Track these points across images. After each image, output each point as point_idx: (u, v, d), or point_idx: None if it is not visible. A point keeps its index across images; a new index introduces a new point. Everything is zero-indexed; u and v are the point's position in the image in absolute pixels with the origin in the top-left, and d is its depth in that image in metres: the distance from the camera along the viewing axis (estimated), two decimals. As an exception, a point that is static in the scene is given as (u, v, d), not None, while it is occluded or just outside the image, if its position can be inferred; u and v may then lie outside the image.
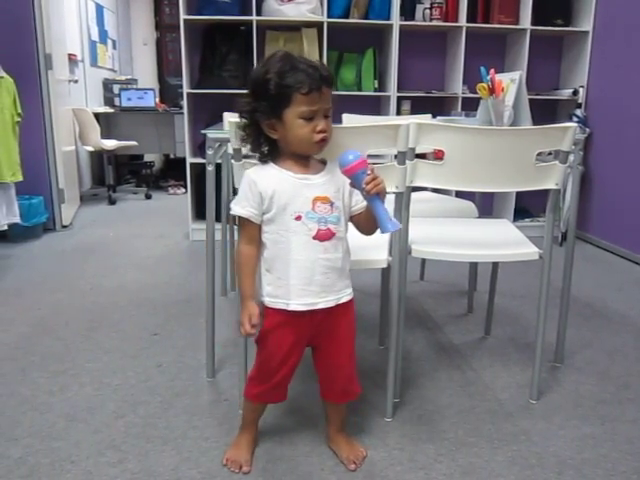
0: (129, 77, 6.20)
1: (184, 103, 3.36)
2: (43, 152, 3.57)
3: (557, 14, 3.48)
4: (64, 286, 2.60)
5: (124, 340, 2.01)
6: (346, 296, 1.27)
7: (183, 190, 5.22)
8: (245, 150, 1.29)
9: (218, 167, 1.68)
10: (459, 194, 2.59)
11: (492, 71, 1.74)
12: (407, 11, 3.44)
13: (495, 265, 2.11)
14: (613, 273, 2.96)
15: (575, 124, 1.45)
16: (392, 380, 1.52)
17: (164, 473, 1.30)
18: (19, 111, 3.08)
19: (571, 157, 1.54)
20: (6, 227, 3.06)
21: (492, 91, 1.76)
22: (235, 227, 1.35)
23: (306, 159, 1.22)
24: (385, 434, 1.46)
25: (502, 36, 3.67)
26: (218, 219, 1.88)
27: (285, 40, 3.38)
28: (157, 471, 1.30)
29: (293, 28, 3.36)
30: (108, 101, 5.64)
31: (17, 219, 3.11)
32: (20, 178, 3.10)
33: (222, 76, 3.38)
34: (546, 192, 1.54)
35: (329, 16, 3.28)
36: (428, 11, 3.46)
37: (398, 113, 3.46)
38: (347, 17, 3.33)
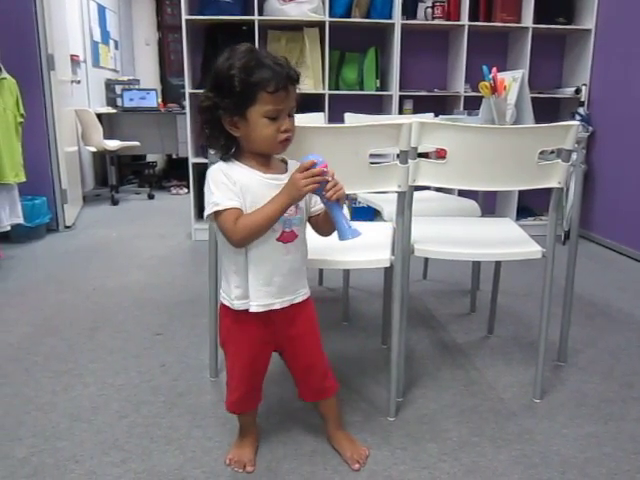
0: (131, 77, 6.21)
1: (186, 103, 3.37)
2: (46, 153, 3.58)
3: (559, 12, 3.48)
4: (67, 286, 2.60)
5: (127, 340, 2.02)
6: (300, 296, 1.25)
7: (186, 190, 5.22)
8: None
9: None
10: (462, 193, 2.59)
11: (494, 70, 1.74)
12: (409, 10, 3.44)
13: (498, 264, 2.10)
14: (616, 272, 2.95)
15: (578, 122, 1.45)
16: (395, 379, 1.52)
17: (168, 473, 1.30)
18: (22, 112, 3.09)
19: (574, 155, 1.54)
20: (9, 228, 3.07)
21: (494, 90, 1.76)
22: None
23: (267, 158, 1.18)
24: (388, 433, 1.46)
25: (504, 34, 3.66)
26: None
27: (287, 40, 3.39)
28: (161, 471, 1.30)
29: (295, 28, 3.36)
30: (110, 102, 5.66)
31: (20, 220, 3.12)
32: (23, 179, 3.11)
33: (224, 76, 3.39)
34: (549, 191, 1.54)
35: (331, 15, 3.28)
36: (430, 10, 3.46)
37: (400, 112, 3.46)
38: (349, 16, 3.33)
